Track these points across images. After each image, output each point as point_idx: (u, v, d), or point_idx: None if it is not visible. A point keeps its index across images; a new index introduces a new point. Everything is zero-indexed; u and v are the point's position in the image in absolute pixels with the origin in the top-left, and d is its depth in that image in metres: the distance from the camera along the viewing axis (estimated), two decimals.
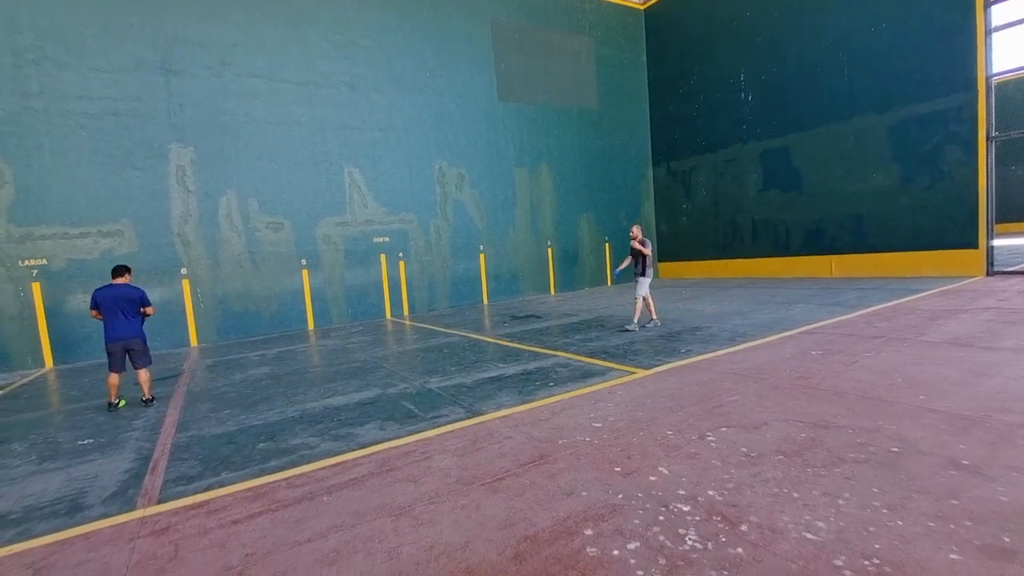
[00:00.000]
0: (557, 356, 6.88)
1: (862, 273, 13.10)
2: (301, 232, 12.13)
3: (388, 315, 13.36)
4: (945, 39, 11.18)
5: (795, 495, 2.80)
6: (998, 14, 10.69)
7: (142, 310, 6.09)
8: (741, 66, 15.29)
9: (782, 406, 4.19)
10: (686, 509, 2.74)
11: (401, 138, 13.40)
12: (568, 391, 5.15)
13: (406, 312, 13.63)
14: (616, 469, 3.28)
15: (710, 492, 2.90)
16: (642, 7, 18.28)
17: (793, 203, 14.44)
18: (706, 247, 17.06)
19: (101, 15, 10.14)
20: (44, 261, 9.74)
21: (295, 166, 12.03)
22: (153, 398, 6.11)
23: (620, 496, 2.93)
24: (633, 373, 5.65)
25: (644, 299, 8.36)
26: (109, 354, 5.87)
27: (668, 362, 6.02)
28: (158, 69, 10.64)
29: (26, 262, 9.61)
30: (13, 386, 8.16)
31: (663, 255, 18.70)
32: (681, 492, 2.93)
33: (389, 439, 4.20)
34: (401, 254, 13.49)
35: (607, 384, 5.29)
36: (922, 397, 4.16)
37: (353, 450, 4.03)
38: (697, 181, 17.08)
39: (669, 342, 7.17)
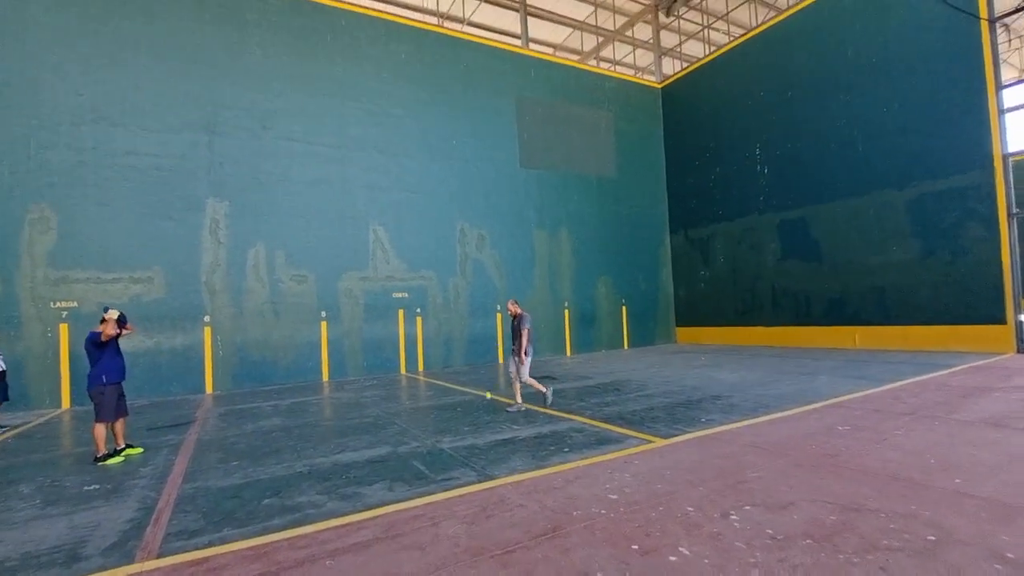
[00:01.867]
0: (572, 420, 6.71)
1: (887, 346, 12.77)
2: (324, 285, 12.41)
3: (403, 370, 13.30)
4: (958, 119, 11.47)
5: None
6: (1010, 97, 10.99)
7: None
8: (756, 141, 15.80)
9: (809, 485, 3.98)
10: None
11: (425, 199, 13.92)
12: (583, 458, 4.98)
13: (421, 368, 13.57)
14: (633, 547, 3.11)
15: None
16: (659, 85, 19.28)
17: (813, 273, 14.39)
18: (724, 313, 16.92)
19: (158, 82, 11.06)
20: (75, 304, 10.06)
21: (323, 222, 12.50)
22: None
23: None
24: (651, 442, 5.46)
25: (515, 381, 7.55)
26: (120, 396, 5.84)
27: (688, 432, 5.82)
28: (203, 130, 11.41)
29: (57, 304, 9.95)
30: (29, 426, 8.20)
31: (680, 320, 18.58)
32: None
33: (397, 500, 4.07)
34: (419, 310, 13.62)
35: (624, 452, 5.11)
36: (958, 481, 3.92)
37: (359, 511, 3.90)
38: (715, 248, 17.24)
39: (689, 410, 6.97)
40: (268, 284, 11.84)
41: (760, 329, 15.85)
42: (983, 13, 11.04)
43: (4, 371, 7.97)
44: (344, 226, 12.77)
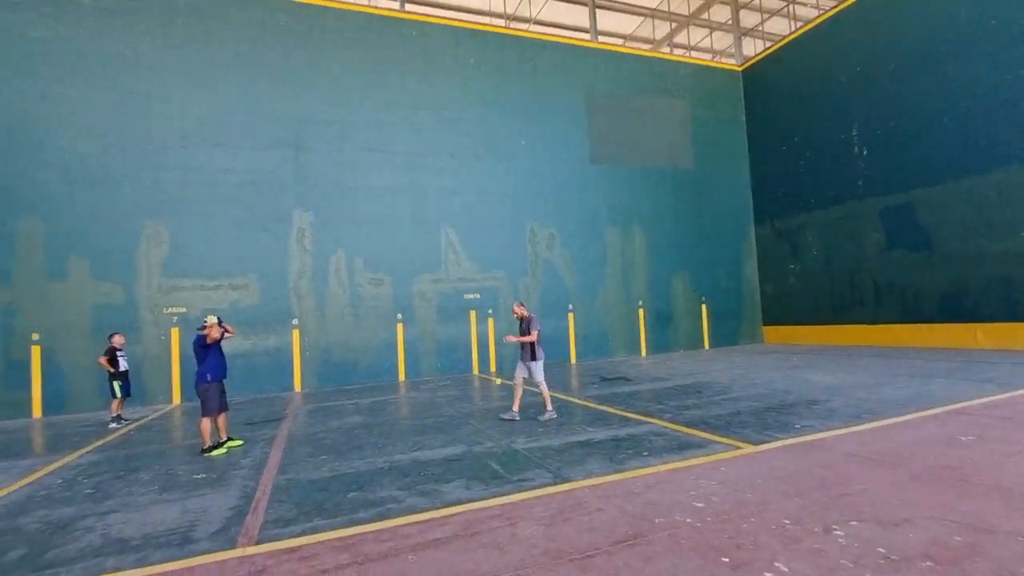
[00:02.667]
0: (651, 423, 6.44)
1: (1016, 345, 11.18)
2: (399, 288, 12.89)
3: (475, 370, 13.50)
4: None
5: None
6: None
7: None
8: (853, 121, 14.44)
9: (928, 501, 3.52)
10: None
11: (495, 200, 14.06)
12: (664, 463, 4.75)
13: (493, 368, 13.71)
14: (723, 559, 2.89)
15: None
16: (740, 68, 18.19)
17: (923, 264, 12.90)
18: (818, 310, 15.61)
19: (250, 104, 12.02)
20: (184, 309, 11.16)
21: (398, 227, 12.99)
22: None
23: None
24: (739, 448, 5.11)
25: (517, 388, 7.16)
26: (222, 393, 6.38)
27: (780, 438, 5.38)
28: (290, 146, 12.25)
29: (169, 310, 11.08)
30: (146, 419, 9.18)
31: (768, 318, 17.39)
32: None
33: (474, 499, 4.08)
34: (491, 311, 13.77)
35: (709, 459, 4.82)
36: None
37: (438, 508, 3.95)
38: (806, 240, 15.95)
39: (780, 415, 6.46)
40: (348, 288, 12.48)
41: (860, 327, 14.45)
42: None
43: (127, 371, 8.97)
44: (417, 230, 13.20)
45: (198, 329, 6.43)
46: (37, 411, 10.11)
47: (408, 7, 16.12)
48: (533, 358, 6.99)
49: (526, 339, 6.94)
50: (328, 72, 12.75)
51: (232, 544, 3.51)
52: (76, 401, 10.35)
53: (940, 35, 12.43)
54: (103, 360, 8.67)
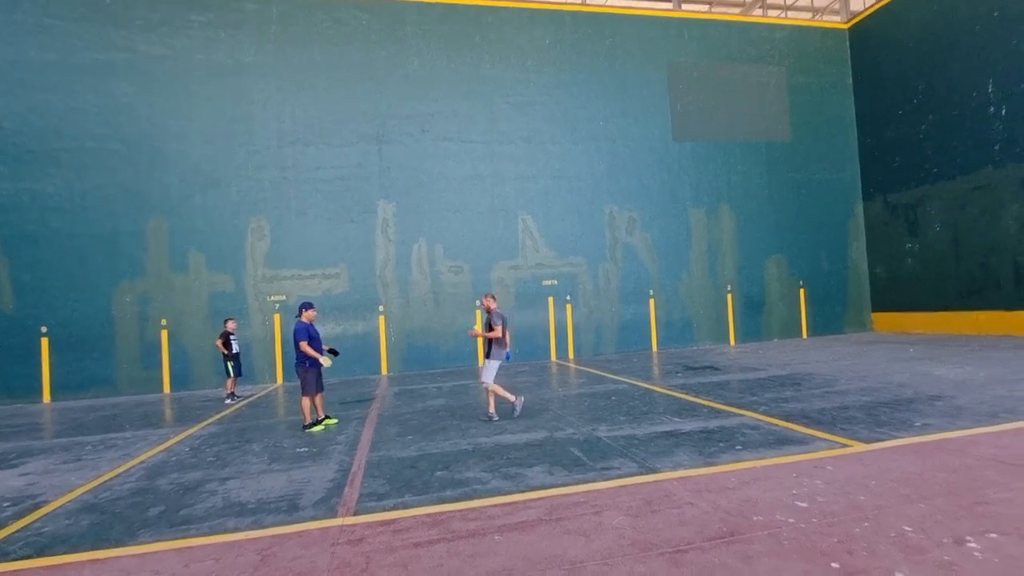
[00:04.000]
0: (743, 415, 6.06)
1: None
2: (477, 275, 13.12)
3: (553, 357, 13.48)
4: None
5: None
6: None
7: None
8: (988, 76, 12.50)
9: None
10: None
11: (572, 185, 13.83)
12: (760, 458, 4.44)
13: (571, 355, 13.61)
14: (833, 565, 2.63)
15: None
16: (846, 26, 16.37)
17: None
18: (941, 295, 13.83)
19: (337, 103, 12.70)
20: (284, 297, 12.11)
21: (476, 215, 13.19)
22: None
23: None
24: (848, 446, 4.65)
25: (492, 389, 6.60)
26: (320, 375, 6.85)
27: (897, 437, 4.84)
28: (374, 140, 12.81)
29: (272, 297, 12.08)
30: (254, 397, 10.11)
31: (878, 304, 15.70)
32: None
33: (557, 485, 4.06)
34: (568, 297, 13.64)
35: (812, 455, 4.43)
36: None
37: (522, 491, 3.97)
38: (927, 215, 14.14)
39: (896, 411, 5.81)
40: (429, 276, 12.90)
41: (993, 314, 12.62)
42: None
43: (239, 352, 9.91)
44: (495, 218, 13.32)
45: (296, 316, 6.94)
46: (166, 387, 11.50)
47: None
48: (488, 356, 6.58)
49: (491, 335, 6.52)
50: (408, 66, 13.12)
51: (333, 513, 3.75)
52: (197, 379, 11.65)
53: None
54: (219, 343, 9.67)
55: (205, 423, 7.64)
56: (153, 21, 11.90)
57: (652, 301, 14.18)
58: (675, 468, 4.30)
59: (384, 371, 12.55)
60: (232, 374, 9.66)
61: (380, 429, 6.50)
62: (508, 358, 6.78)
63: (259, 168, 12.24)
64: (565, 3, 14.76)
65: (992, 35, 12.38)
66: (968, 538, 2.82)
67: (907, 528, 2.99)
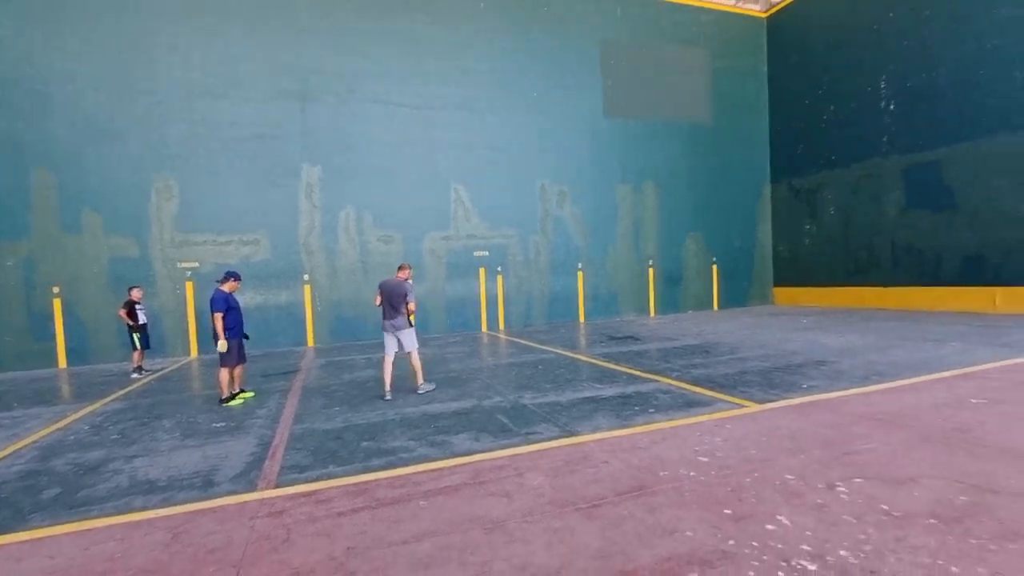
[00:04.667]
0: (657, 381, 6.50)
1: None
2: (408, 244, 12.86)
3: (484, 328, 13.63)
4: None
5: (954, 569, 2.31)
6: None
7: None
8: (881, 73, 13.75)
9: (934, 461, 3.55)
10: (812, 568, 2.38)
11: (506, 157, 13.77)
12: (670, 419, 4.82)
13: (502, 327, 13.82)
14: (726, 511, 2.96)
15: (842, 552, 2.49)
16: (764, 15, 17.23)
17: (945, 225, 12.56)
18: (833, 272, 15.39)
19: (253, 54, 11.69)
20: (196, 264, 11.27)
21: (407, 183, 12.83)
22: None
23: (731, 542, 2.63)
24: (744, 406, 5.15)
25: (386, 362, 6.43)
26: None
27: (786, 398, 5.42)
28: (296, 98, 11.98)
29: (182, 264, 11.20)
30: (166, 370, 9.46)
31: (779, 279, 17.21)
32: (805, 547, 2.55)
33: (483, 451, 4.19)
34: (500, 269, 13.75)
35: (714, 415, 4.88)
36: None
37: (448, 458, 4.07)
38: (824, 200, 15.53)
39: (788, 375, 6.48)
40: (358, 244, 12.48)
41: (875, 289, 14.26)
42: None
43: (146, 323, 9.17)
44: (427, 186, 13.03)
45: (217, 282, 6.51)
46: (62, 361, 10.45)
47: None
48: (410, 325, 6.39)
49: (412, 307, 6.36)
50: (334, 19, 12.29)
51: (252, 487, 3.66)
52: (99, 352, 10.66)
53: None
54: (122, 313, 8.88)
55: (108, 399, 7.07)
56: None
57: (580, 274, 14.63)
58: (594, 431, 4.58)
59: (311, 343, 12.12)
60: (139, 346, 8.94)
61: (304, 401, 6.34)
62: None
63: (164, 122, 11.10)
64: None
65: (887, 35, 13.57)
66: (838, 483, 3.26)
67: (789, 477, 3.40)
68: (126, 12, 10.85)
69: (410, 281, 6.50)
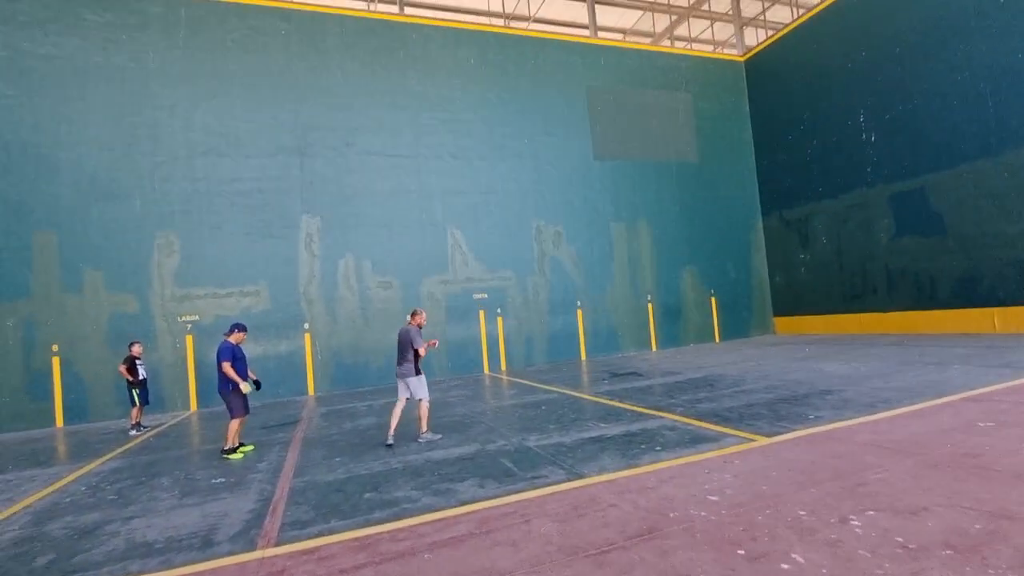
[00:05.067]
0: (663, 417, 6.43)
1: None
2: (407, 290, 12.95)
3: (486, 370, 13.54)
4: None
5: None
6: None
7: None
8: (860, 107, 14.27)
9: (946, 488, 3.49)
10: None
11: (500, 200, 14.08)
12: (677, 457, 4.75)
13: (503, 367, 13.74)
14: (739, 552, 2.89)
15: None
16: (742, 59, 18.02)
17: (936, 249, 12.73)
18: (830, 299, 15.46)
19: (254, 112, 12.15)
20: (197, 317, 11.31)
21: (404, 230, 13.06)
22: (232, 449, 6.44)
23: None
24: (752, 440, 5.09)
25: (395, 408, 6.45)
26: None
27: (794, 429, 5.35)
28: (295, 153, 12.36)
29: (183, 318, 11.23)
30: (165, 426, 9.32)
31: (778, 309, 17.26)
32: None
33: (488, 498, 4.11)
34: (499, 310, 13.80)
35: (722, 451, 4.81)
36: None
37: (453, 507, 3.98)
38: (815, 229, 15.79)
39: (793, 406, 6.42)
40: (357, 292, 12.57)
41: (873, 315, 14.29)
42: None
43: (146, 379, 9.11)
44: (424, 232, 13.26)
45: (224, 334, 6.60)
46: (59, 420, 10.31)
47: (407, 11, 16.18)
48: (418, 372, 6.37)
49: (418, 350, 6.32)
50: (330, 78, 12.84)
51: (252, 546, 3.56)
52: (97, 410, 10.54)
53: (945, 17, 12.24)
54: (123, 369, 8.83)
55: (106, 458, 6.95)
56: (40, 17, 10.83)
57: (579, 311, 14.67)
58: (600, 472, 4.50)
59: (311, 392, 12.01)
60: (138, 403, 8.84)
61: (305, 453, 6.24)
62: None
63: (166, 180, 11.40)
64: (488, 25, 15.14)
65: (861, 71, 14.17)
66: (851, 516, 3.20)
67: (801, 512, 3.33)
68: (129, 79, 11.34)
69: (415, 326, 6.47)
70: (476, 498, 4.13)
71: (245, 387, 6.30)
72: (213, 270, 11.53)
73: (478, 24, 14.92)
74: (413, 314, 6.61)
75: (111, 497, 5.05)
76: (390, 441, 6.18)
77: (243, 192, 11.89)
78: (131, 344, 9.16)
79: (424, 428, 6.42)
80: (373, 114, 13.10)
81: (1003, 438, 4.44)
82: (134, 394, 8.83)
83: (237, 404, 6.34)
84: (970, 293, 12.13)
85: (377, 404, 9.59)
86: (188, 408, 11.18)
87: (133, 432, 8.73)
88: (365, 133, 12.99)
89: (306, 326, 12.09)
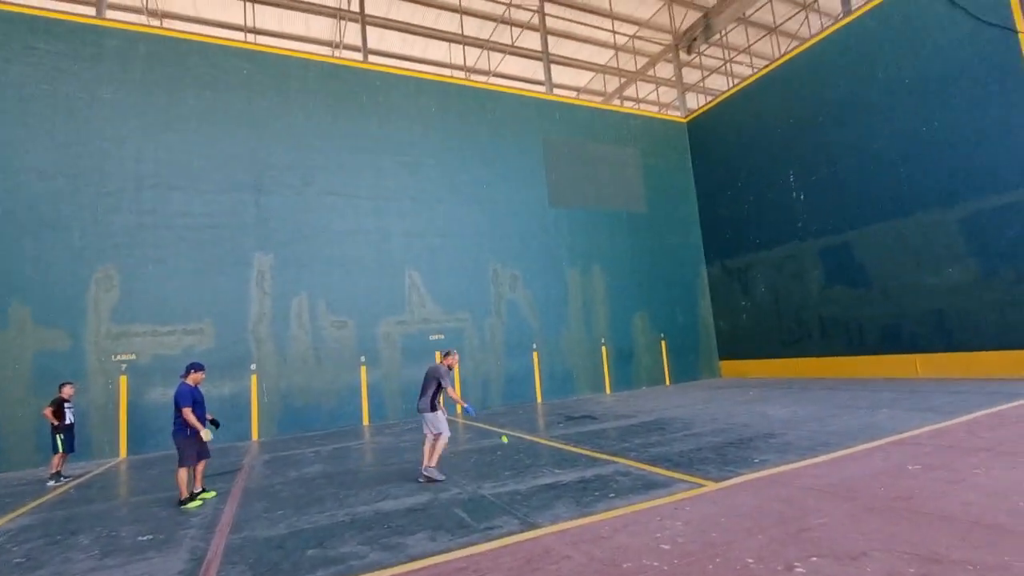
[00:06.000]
0: (616, 462, 6.48)
1: (953, 373, 11.92)
2: (363, 330, 12.69)
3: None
4: (1006, 132, 11.02)
5: None
6: None
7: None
8: (789, 168, 15.56)
9: (882, 532, 3.68)
10: None
11: (458, 243, 14.23)
12: (630, 504, 4.78)
13: (459, 410, 13.48)
14: None
15: None
16: (685, 120, 19.41)
17: (863, 299, 13.75)
18: (770, 345, 16.27)
19: (209, 147, 11.94)
20: (133, 356, 10.61)
21: (362, 270, 12.92)
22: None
23: None
24: (702, 486, 5.20)
25: (424, 443, 6.55)
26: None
27: (741, 473, 5.52)
28: (251, 189, 12.15)
29: (118, 357, 10.51)
30: (88, 475, 8.53)
31: (724, 353, 17.96)
32: None
33: (440, 552, 3.99)
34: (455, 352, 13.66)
35: (673, 498, 4.88)
36: None
37: (403, 563, 3.83)
38: (755, 278, 16.77)
39: (740, 450, 6.63)
40: (310, 331, 12.20)
41: (809, 360, 15.11)
42: (1020, 26, 10.76)
43: (73, 424, 8.38)
44: (382, 273, 13.15)
45: (181, 376, 6.26)
46: None
47: (371, 58, 16.58)
48: (433, 408, 6.49)
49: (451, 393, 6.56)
50: (291, 118, 12.86)
51: None
52: (13, 458, 9.53)
53: (858, 92, 13.72)
54: (48, 412, 8.09)
55: (17, 513, 6.26)
56: None
57: (535, 354, 14.75)
58: (554, 521, 4.46)
59: (255, 436, 11.35)
60: (61, 449, 8.07)
61: (245, 505, 5.86)
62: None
63: (112, 211, 10.89)
64: (450, 77, 15.73)
65: (790, 136, 15.56)
66: (796, 564, 3.30)
67: (750, 560, 3.41)
68: (78, 108, 10.96)
69: (444, 366, 6.70)
70: (427, 552, 3.99)
71: (206, 435, 5.99)
72: (155, 307, 10.94)
73: (440, 76, 15.45)
74: (446, 354, 6.98)
75: (18, 560, 4.55)
76: (420, 479, 6.32)
77: (193, 227, 11.50)
78: (62, 385, 8.45)
79: (432, 463, 6.34)
80: (333, 155, 13.14)
81: (930, 480, 4.74)
82: (58, 440, 8.07)
83: (189, 452, 6.02)
84: (894, 340, 13.09)
85: (325, 450, 9.17)
86: (117, 455, 10.30)
87: (52, 483, 7.94)
88: (325, 173, 12.96)
89: (253, 366, 11.56)
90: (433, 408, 6.47)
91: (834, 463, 5.64)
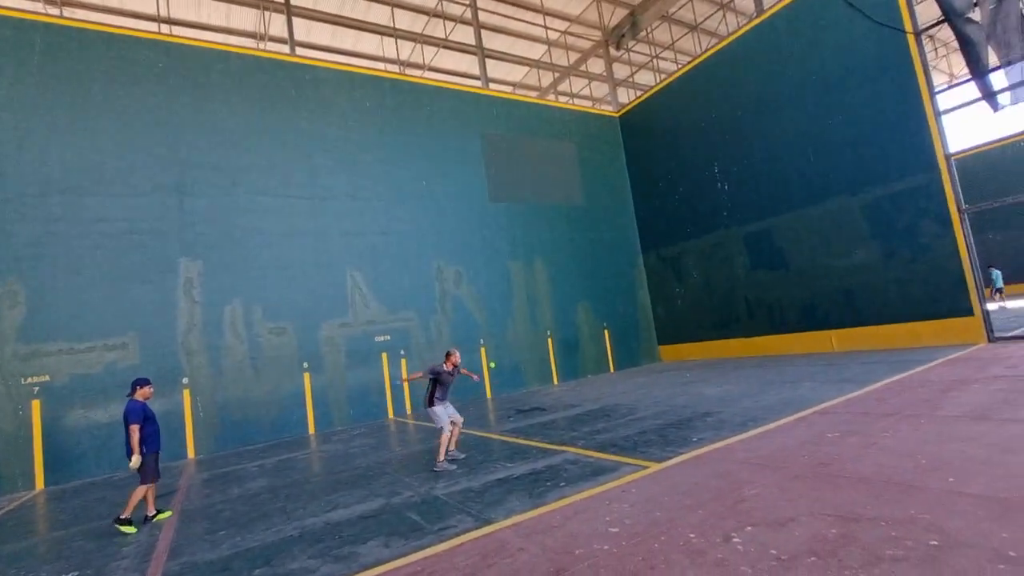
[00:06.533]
0: (565, 452, 6.67)
1: (863, 346, 13.10)
2: (303, 335, 12.23)
3: (391, 415, 13.07)
4: (899, 125, 12.13)
5: None
6: (944, 100, 11.68)
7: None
8: (713, 160, 16.44)
9: (807, 498, 4.03)
10: None
11: (400, 241, 13.98)
12: (580, 491, 4.95)
13: (409, 411, 13.35)
14: None
15: None
16: (617, 115, 19.99)
17: (782, 281, 14.80)
18: (703, 328, 17.19)
19: (124, 147, 11.03)
20: (47, 378, 9.70)
21: (300, 272, 12.41)
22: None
23: None
24: (646, 467, 5.46)
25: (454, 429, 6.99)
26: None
27: (681, 453, 5.84)
28: (173, 191, 11.36)
29: (28, 379, 9.57)
30: (0, 512, 7.76)
31: (662, 338, 18.78)
32: None
33: (394, 558, 3.97)
34: (403, 351, 13.49)
35: (620, 481, 5.10)
36: (951, 480, 3.99)
37: (356, 572, 3.79)
38: (687, 266, 17.63)
39: (680, 430, 7.00)
40: (246, 340, 11.62)
41: (739, 340, 16.11)
42: (908, 27, 11.86)
43: None
44: (321, 274, 12.70)
45: (128, 395, 5.91)
46: None
47: (299, 51, 15.89)
48: (430, 404, 7.02)
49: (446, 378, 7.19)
50: (214, 115, 12.10)
51: None
52: None
53: (773, 88, 14.67)
54: None
55: None
56: None
57: (483, 349, 14.80)
58: (508, 515, 4.55)
59: (191, 454, 10.70)
60: None
61: (183, 529, 5.55)
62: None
63: (11, 221, 9.82)
64: (384, 71, 15.35)
65: (713, 130, 16.44)
66: (733, 534, 3.56)
67: (691, 535, 3.64)
68: None
69: (444, 363, 7.16)
70: (380, 560, 3.97)
71: (136, 461, 5.62)
72: (69, 322, 10.02)
73: (373, 69, 15.05)
74: (447, 355, 7.27)
75: None
76: (436, 468, 6.52)
77: (110, 234, 10.61)
78: None
79: (440, 456, 6.61)
80: (263, 153, 12.50)
81: (847, 446, 5.22)
82: None
83: (149, 468, 5.77)
84: (811, 318, 14.20)
85: (269, 463, 8.82)
86: (33, 487, 9.40)
87: None
88: (255, 172, 12.31)
89: (185, 380, 10.87)
90: (431, 404, 6.86)
91: (764, 436, 6.08)
